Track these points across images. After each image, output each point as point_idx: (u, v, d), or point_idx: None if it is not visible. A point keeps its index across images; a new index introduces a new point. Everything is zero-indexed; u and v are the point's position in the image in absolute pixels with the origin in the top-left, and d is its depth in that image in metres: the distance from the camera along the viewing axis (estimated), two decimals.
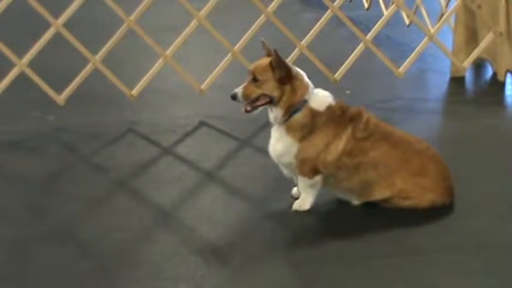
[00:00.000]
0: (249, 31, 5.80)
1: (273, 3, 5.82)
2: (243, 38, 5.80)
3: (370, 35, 5.96)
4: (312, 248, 3.95)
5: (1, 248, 3.98)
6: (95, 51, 5.64)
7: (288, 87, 4.17)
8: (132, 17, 5.65)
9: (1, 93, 5.47)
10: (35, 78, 5.54)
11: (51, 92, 5.57)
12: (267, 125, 4.42)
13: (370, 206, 4.26)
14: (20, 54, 5.52)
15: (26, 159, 5.00)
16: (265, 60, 4.20)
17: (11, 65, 5.50)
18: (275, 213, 4.29)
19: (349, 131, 4.20)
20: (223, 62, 5.81)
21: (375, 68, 6.26)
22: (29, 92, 5.72)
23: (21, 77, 5.54)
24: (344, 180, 4.24)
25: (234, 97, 4.19)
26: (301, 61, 5.63)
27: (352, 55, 5.94)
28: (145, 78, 5.73)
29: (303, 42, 5.86)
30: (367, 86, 6.16)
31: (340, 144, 4.19)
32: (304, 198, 4.28)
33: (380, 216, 4.21)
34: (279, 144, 4.24)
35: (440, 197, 4.24)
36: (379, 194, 4.22)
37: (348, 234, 4.08)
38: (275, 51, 4.15)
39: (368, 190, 4.23)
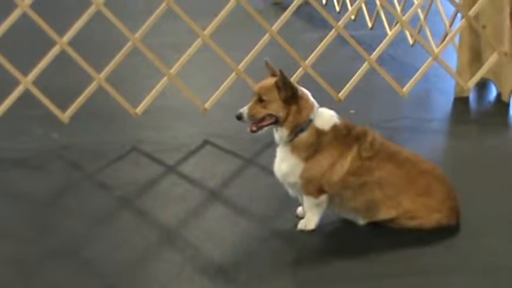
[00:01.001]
0: (253, 50, 5.81)
1: (277, 22, 5.84)
2: (247, 57, 5.81)
3: (374, 54, 5.97)
4: (317, 268, 3.93)
5: (7, 266, 3.97)
6: (99, 69, 5.65)
7: (293, 108, 4.17)
8: (137, 35, 5.65)
9: (6, 111, 5.46)
10: (40, 96, 5.54)
11: (55, 110, 5.57)
12: (271, 144, 4.42)
13: (376, 226, 4.25)
14: (25, 71, 5.52)
15: (31, 177, 4.99)
16: (271, 80, 4.21)
17: (15, 83, 5.50)
18: (280, 232, 4.28)
19: (354, 150, 4.20)
20: (227, 81, 5.81)
21: (379, 88, 6.26)
22: (33, 110, 5.72)
23: (26, 95, 5.54)
24: (349, 200, 4.23)
25: (239, 117, 4.19)
26: (306, 80, 5.63)
27: (356, 74, 5.94)
28: (149, 96, 5.73)
29: (307, 61, 5.87)
30: (371, 105, 6.16)
31: (346, 163, 4.18)
32: (310, 217, 4.27)
33: (385, 236, 4.20)
34: (284, 163, 4.24)
35: (445, 217, 4.23)
36: (385, 214, 4.22)
37: (353, 254, 4.07)
38: (280, 71, 4.16)
39: (373, 210, 4.23)
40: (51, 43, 5.55)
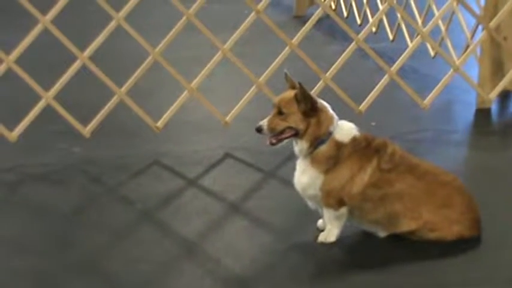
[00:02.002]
0: (274, 63, 5.81)
1: (297, 35, 5.84)
2: (268, 70, 5.82)
3: (395, 66, 5.96)
4: (338, 280, 3.92)
5: (27, 279, 3.98)
6: (120, 84, 5.67)
7: (313, 120, 4.17)
8: (157, 49, 5.68)
9: (28, 126, 5.49)
10: (61, 110, 5.57)
11: (77, 125, 5.60)
12: (291, 157, 4.41)
13: (396, 238, 4.23)
14: (46, 87, 5.55)
15: (52, 191, 5.01)
16: (290, 93, 4.21)
17: (37, 98, 5.53)
18: (300, 245, 4.27)
19: (374, 162, 4.19)
20: (248, 94, 5.82)
21: (400, 100, 6.24)
22: (55, 125, 5.73)
23: (48, 110, 5.57)
24: (370, 213, 4.22)
25: (259, 130, 4.20)
26: (326, 93, 5.63)
27: (377, 87, 5.93)
28: (170, 110, 5.75)
29: (327, 74, 5.87)
30: (392, 117, 6.14)
31: (366, 176, 4.17)
32: (330, 230, 4.26)
33: (406, 248, 4.18)
34: (304, 176, 4.23)
35: (467, 229, 4.20)
36: (405, 226, 4.20)
37: (374, 266, 4.05)
38: (299, 84, 4.16)
39: (394, 222, 4.21)
40: (72, 58, 5.58)
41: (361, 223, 4.30)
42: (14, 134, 5.47)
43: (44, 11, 5.46)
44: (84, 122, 5.61)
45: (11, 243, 4.35)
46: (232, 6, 8.84)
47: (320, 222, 4.38)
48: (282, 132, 4.20)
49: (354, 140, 4.21)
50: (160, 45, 5.70)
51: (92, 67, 5.60)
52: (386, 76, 5.95)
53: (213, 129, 5.88)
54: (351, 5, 8.39)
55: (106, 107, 5.63)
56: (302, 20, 8.51)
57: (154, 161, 5.41)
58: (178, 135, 5.84)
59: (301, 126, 4.17)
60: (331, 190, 4.18)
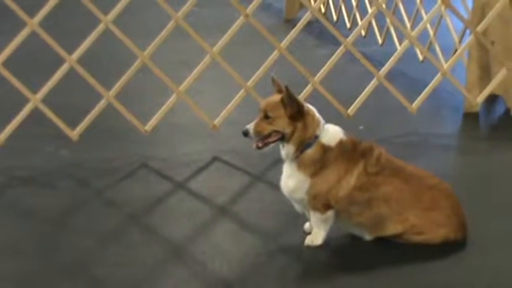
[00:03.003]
0: (262, 66, 5.82)
1: (286, 39, 5.85)
2: (256, 74, 5.82)
3: (383, 70, 5.97)
4: (324, 283, 3.93)
5: (14, 283, 3.98)
6: (108, 87, 5.67)
7: (299, 124, 4.17)
8: (146, 52, 5.68)
9: (15, 129, 5.48)
10: (49, 113, 5.56)
11: (65, 128, 5.59)
12: (279, 161, 4.41)
13: (383, 242, 4.24)
14: (34, 89, 5.54)
15: (39, 194, 5.00)
16: (277, 97, 4.21)
17: (25, 101, 5.52)
18: (287, 248, 4.28)
19: (360, 166, 4.20)
20: (236, 98, 5.82)
21: (388, 104, 6.25)
22: (43, 128, 5.72)
23: (35, 113, 5.56)
24: (356, 216, 4.22)
25: (245, 133, 4.20)
26: (315, 97, 5.64)
27: (365, 91, 5.94)
28: (158, 113, 5.74)
29: (316, 77, 5.87)
30: (380, 121, 6.15)
31: (352, 179, 4.18)
32: (317, 233, 4.26)
33: (392, 251, 4.19)
34: (291, 180, 4.24)
35: (453, 232, 4.21)
36: (392, 229, 4.21)
37: (360, 269, 4.06)
38: (286, 87, 4.16)
39: (380, 225, 4.22)
40: (61, 61, 5.57)
41: (347, 226, 4.31)
42: (1, 137, 5.46)
43: (32, 14, 5.46)
44: (72, 125, 5.60)
45: None
46: (221, 10, 8.84)
47: (307, 225, 4.38)
48: (268, 136, 4.20)
49: (341, 143, 4.22)
50: (149, 49, 5.70)
51: (80, 70, 5.59)
52: (374, 80, 5.96)
53: (201, 133, 5.88)
54: (340, 8, 8.41)
55: (94, 110, 5.62)
56: (292, 23, 8.49)
57: (142, 164, 5.41)
58: (166, 138, 5.84)
59: (287, 130, 4.17)
60: (318, 193, 4.19)
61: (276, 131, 4.19)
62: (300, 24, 5.88)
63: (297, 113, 4.16)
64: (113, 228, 4.56)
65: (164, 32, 5.69)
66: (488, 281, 3.93)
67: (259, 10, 5.83)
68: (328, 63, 5.90)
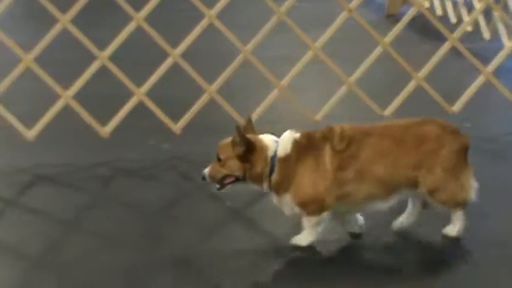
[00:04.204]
0: (365, 62, 5.75)
1: (390, 34, 5.77)
2: (359, 69, 5.76)
3: (491, 67, 5.83)
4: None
5: (118, 274, 4.02)
6: (211, 81, 5.69)
7: (247, 165, 4.11)
8: (248, 47, 5.68)
9: (120, 122, 5.55)
10: (153, 107, 5.62)
11: (168, 121, 5.63)
12: None
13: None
14: (139, 83, 5.60)
15: (143, 186, 5.06)
16: (228, 138, 4.19)
17: (130, 94, 5.59)
18: None
19: (327, 149, 4.10)
20: (338, 93, 5.77)
21: (496, 101, 6.10)
22: (146, 121, 5.77)
23: (139, 106, 5.62)
24: (356, 192, 4.12)
25: (203, 178, 4.20)
26: (418, 93, 5.54)
27: (471, 87, 5.81)
28: (259, 108, 5.74)
29: (420, 73, 5.77)
30: (488, 118, 6.02)
31: (327, 164, 4.08)
32: (306, 235, 4.19)
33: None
34: (279, 204, 4.19)
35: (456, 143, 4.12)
36: (403, 179, 4.10)
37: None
38: (236, 127, 4.12)
39: (391, 185, 4.11)
40: (164, 55, 5.62)
41: (362, 207, 4.20)
42: (107, 130, 5.53)
43: (137, 8, 5.52)
44: (175, 118, 5.64)
45: (103, 237, 4.41)
46: (322, 5, 8.79)
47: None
48: (223, 179, 4.16)
49: (296, 144, 4.13)
50: (251, 43, 5.70)
51: (183, 64, 5.63)
52: (481, 76, 5.82)
53: (302, 128, 5.82)
54: (444, 3, 8.26)
55: (197, 104, 5.65)
56: (394, 18, 8.42)
57: None
58: (267, 132, 5.81)
59: (237, 173, 4.13)
60: (303, 199, 4.10)
61: (229, 175, 4.14)
62: (405, 19, 5.79)
63: (246, 153, 4.09)
64: (215, 221, 4.57)
65: (266, 27, 5.69)
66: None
67: (359, 5, 5.76)
68: (432, 59, 5.80)
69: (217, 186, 4.20)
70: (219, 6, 5.61)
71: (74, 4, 5.41)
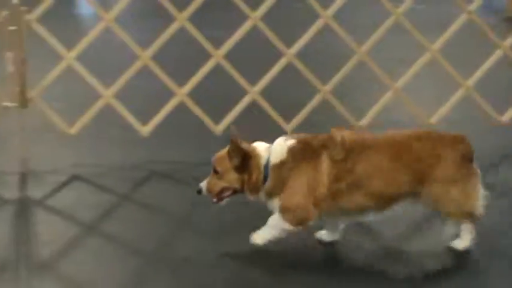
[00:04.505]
0: (483, 66, 5.64)
1: (509, 38, 5.63)
2: (477, 73, 5.64)
3: None
4: None
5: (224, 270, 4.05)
6: (324, 81, 5.67)
7: (245, 175, 4.07)
8: (363, 48, 5.63)
9: (232, 120, 5.57)
10: (265, 106, 5.63)
11: (280, 120, 5.64)
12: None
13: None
14: (253, 82, 5.62)
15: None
16: (224, 150, 4.12)
17: (243, 93, 5.61)
18: None
19: (325, 157, 4.03)
20: (454, 96, 5.67)
21: None
22: (259, 120, 5.79)
23: (253, 105, 5.63)
24: (347, 203, 4.05)
25: (199, 192, 4.14)
26: None
27: None
28: (373, 109, 5.69)
29: None
30: None
31: (324, 174, 4.01)
32: (265, 233, 4.13)
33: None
34: (271, 208, 4.13)
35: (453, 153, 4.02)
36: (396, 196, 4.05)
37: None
38: (231, 138, 4.04)
39: (383, 199, 4.05)
40: (278, 55, 5.62)
41: (353, 218, 4.15)
42: (220, 128, 5.57)
43: (253, 7, 5.54)
44: (287, 118, 5.64)
45: (212, 235, 4.44)
46: (438, 7, 8.67)
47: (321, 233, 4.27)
48: (221, 191, 4.11)
49: (291, 151, 4.06)
50: (367, 44, 5.65)
51: (298, 64, 5.62)
52: None
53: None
54: None
55: (309, 105, 5.64)
56: None
57: None
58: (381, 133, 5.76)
59: (236, 185, 4.09)
60: (288, 206, 4.04)
61: (227, 187, 4.09)
62: None
63: (243, 162, 4.04)
64: None
65: (382, 28, 5.63)
66: None
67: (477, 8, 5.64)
68: None
69: (214, 200, 4.15)
70: (334, 7, 5.58)
71: (191, 3, 5.47)
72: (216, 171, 4.11)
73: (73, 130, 5.38)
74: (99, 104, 5.42)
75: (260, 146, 4.12)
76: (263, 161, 4.06)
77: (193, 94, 5.57)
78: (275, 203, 4.08)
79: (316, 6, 5.55)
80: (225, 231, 4.46)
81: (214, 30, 6.23)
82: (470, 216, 4.07)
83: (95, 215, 4.67)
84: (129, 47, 5.46)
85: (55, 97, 5.77)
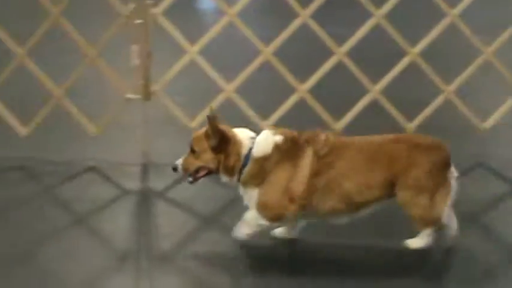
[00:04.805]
0: None
1: None
2: None
3: None
4: None
5: None
6: (447, 82, 5.56)
7: (222, 156, 4.07)
8: (491, 48, 5.50)
9: (352, 119, 5.51)
10: (388, 105, 5.56)
11: (401, 119, 5.55)
12: None
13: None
14: (375, 80, 5.56)
15: None
16: (202, 130, 4.12)
17: (364, 91, 5.55)
18: None
19: (309, 152, 4.06)
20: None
21: None
22: (379, 119, 5.71)
23: (373, 104, 5.57)
24: (321, 203, 4.05)
25: (174, 169, 4.15)
26: None
27: None
28: (497, 112, 5.56)
29: None
30: None
31: (306, 169, 4.03)
32: (243, 227, 4.15)
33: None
34: (246, 200, 4.14)
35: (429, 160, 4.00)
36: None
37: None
38: (208, 117, 4.03)
39: (353, 202, 4.06)
40: (401, 53, 5.53)
41: (324, 217, 4.13)
42: (339, 125, 5.53)
43: (377, 5, 5.47)
44: (408, 117, 5.55)
45: None
46: None
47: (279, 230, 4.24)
48: (196, 171, 4.11)
49: (277, 147, 4.07)
50: (494, 45, 5.52)
51: (421, 63, 5.53)
52: None
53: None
54: None
55: (432, 105, 5.54)
56: None
57: (477, 164, 5.24)
58: (505, 137, 5.63)
59: (211, 165, 4.09)
60: (267, 202, 4.05)
61: (203, 167, 4.09)
62: None
63: (220, 144, 4.05)
64: None
65: (511, 29, 5.49)
66: None
67: None
68: None
69: (190, 179, 4.18)
70: (461, 6, 5.46)
71: (314, 0, 5.44)
72: (193, 150, 4.17)
73: (194, 124, 5.43)
74: (220, 98, 5.46)
75: (242, 133, 4.18)
76: (244, 150, 4.12)
77: (314, 91, 5.54)
78: (249, 193, 4.13)
79: (443, 5, 5.44)
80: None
81: (336, 27, 6.16)
82: (434, 225, 4.07)
83: (214, 208, 4.71)
84: (251, 42, 5.48)
85: (177, 91, 5.83)
